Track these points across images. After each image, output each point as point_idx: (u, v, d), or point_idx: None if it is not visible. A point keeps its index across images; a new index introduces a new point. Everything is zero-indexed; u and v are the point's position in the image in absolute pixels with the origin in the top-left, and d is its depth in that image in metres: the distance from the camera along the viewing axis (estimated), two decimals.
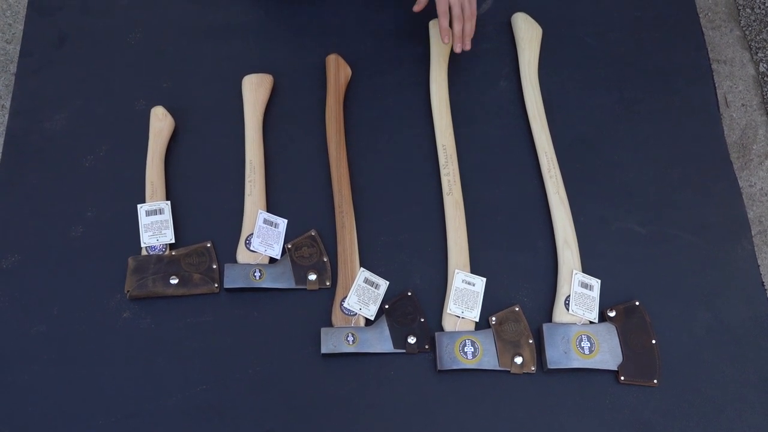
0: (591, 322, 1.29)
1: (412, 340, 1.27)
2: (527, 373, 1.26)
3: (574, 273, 1.31)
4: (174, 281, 1.31)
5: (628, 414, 1.24)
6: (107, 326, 1.30)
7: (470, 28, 1.47)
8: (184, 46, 1.59)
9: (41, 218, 1.40)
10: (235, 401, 1.24)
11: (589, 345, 1.26)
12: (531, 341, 1.27)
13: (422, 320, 1.29)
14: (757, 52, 1.86)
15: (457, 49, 1.47)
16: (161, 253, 1.34)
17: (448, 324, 1.29)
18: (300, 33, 1.61)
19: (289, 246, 1.35)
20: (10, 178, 1.44)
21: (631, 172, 1.46)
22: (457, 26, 1.45)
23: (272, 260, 1.35)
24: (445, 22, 1.46)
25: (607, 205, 1.42)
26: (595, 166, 1.46)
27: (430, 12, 1.61)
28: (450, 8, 1.44)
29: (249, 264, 1.33)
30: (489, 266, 1.35)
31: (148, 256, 1.34)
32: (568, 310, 1.28)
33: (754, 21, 1.87)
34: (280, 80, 1.55)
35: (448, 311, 1.29)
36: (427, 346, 1.27)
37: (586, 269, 1.34)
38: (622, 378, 1.25)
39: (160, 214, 1.37)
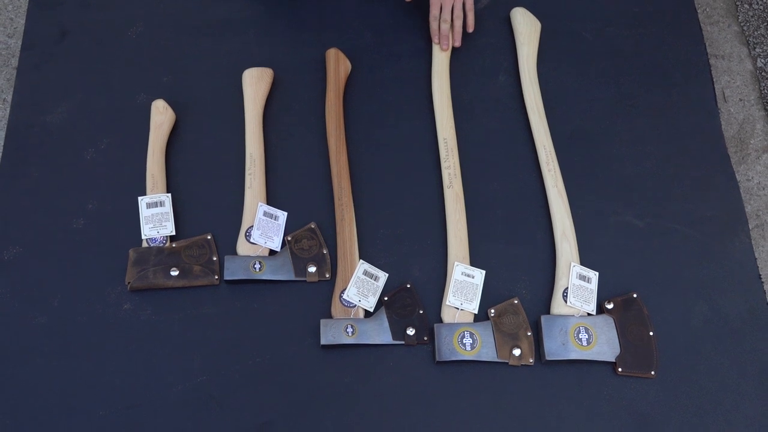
0: (589, 314, 1.29)
1: (411, 331, 1.28)
2: (525, 364, 1.26)
3: (572, 265, 1.32)
4: (174, 273, 1.32)
5: (625, 405, 1.24)
6: (108, 318, 1.31)
7: (459, 25, 1.53)
8: (184, 40, 1.60)
9: (42, 211, 1.41)
10: (235, 392, 1.25)
11: (587, 336, 1.26)
12: (529, 333, 1.28)
13: (421, 312, 1.30)
14: (755, 48, 1.87)
15: (443, 47, 1.53)
16: (162, 245, 1.35)
17: (447, 316, 1.30)
18: (300, 27, 1.62)
19: (289, 238, 1.36)
20: (12, 171, 1.45)
21: (629, 166, 1.47)
22: (443, 26, 1.52)
23: (272, 252, 1.36)
24: (435, 25, 1.53)
25: (605, 198, 1.43)
26: (593, 159, 1.47)
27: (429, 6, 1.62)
28: (441, 8, 1.51)
29: (249, 256, 1.34)
30: (488, 259, 1.36)
31: (149, 248, 1.34)
32: (566, 302, 1.29)
33: (752, 17, 1.88)
34: (280, 74, 1.55)
35: (448, 303, 1.29)
36: (426, 338, 1.28)
37: (584, 262, 1.34)
38: (620, 369, 1.25)
39: (161, 206, 1.37)
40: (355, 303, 1.30)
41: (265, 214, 1.37)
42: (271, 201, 1.41)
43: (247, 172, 1.41)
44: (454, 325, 1.28)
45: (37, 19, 1.63)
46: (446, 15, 1.52)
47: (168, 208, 1.38)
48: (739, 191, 1.45)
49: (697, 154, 1.48)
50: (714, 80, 1.62)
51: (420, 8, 1.63)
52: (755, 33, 1.86)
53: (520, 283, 1.35)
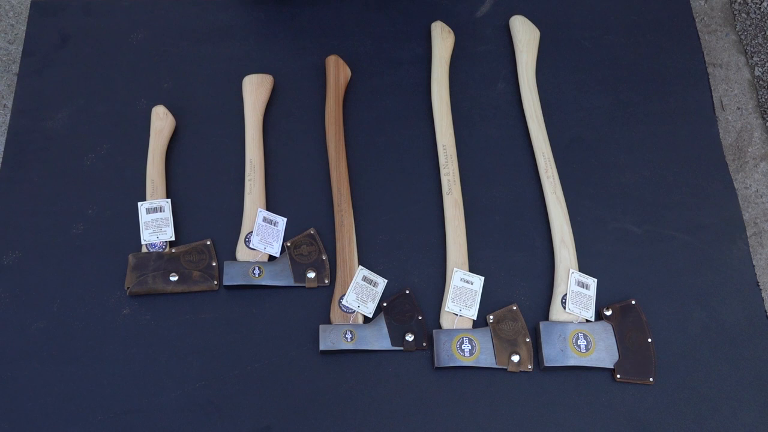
0: (587, 321, 1.30)
1: (410, 337, 1.28)
2: (524, 371, 1.27)
3: (570, 272, 1.32)
4: (174, 278, 1.32)
5: (624, 412, 1.25)
6: (107, 323, 1.31)
7: None
8: (185, 46, 1.61)
9: (42, 216, 1.41)
10: (234, 397, 1.25)
11: (585, 343, 1.27)
12: (528, 340, 1.28)
13: (420, 318, 1.30)
14: (752, 56, 1.88)
15: None
16: (161, 250, 1.35)
17: (446, 322, 1.30)
18: (300, 34, 1.63)
19: (289, 244, 1.36)
20: (12, 176, 1.45)
21: (627, 173, 1.47)
22: None
23: (271, 258, 1.36)
24: None
25: (604, 205, 1.44)
26: (591, 166, 1.48)
27: (431, 13, 1.64)
28: None
29: (248, 262, 1.34)
30: (487, 265, 1.37)
31: (149, 253, 1.35)
32: (564, 308, 1.29)
33: (749, 26, 1.89)
34: (280, 81, 1.56)
35: (446, 309, 1.30)
36: (424, 344, 1.28)
37: (582, 268, 1.35)
38: (618, 376, 1.26)
39: (161, 211, 1.38)
40: (354, 309, 1.30)
41: (265, 219, 1.37)
42: (270, 207, 1.42)
43: (247, 177, 1.41)
44: (452, 331, 1.28)
45: (37, 25, 1.64)
46: None
47: (168, 213, 1.38)
48: (737, 199, 1.46)
49: (695, 162, 1.49)
50: (712, 89, 1.62)
51: (420, 16, 1.64)
52: (753, 42, 1.87)
53: (518, 289, 1.35)
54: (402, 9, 1.65)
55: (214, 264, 1.35)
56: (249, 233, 1.36)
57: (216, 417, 1.24)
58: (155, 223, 1.37)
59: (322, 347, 1.26)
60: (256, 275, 1.32)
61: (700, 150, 1.50)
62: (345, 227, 1.37)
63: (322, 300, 1.33)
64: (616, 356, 1.26)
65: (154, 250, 1.35)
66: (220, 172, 1.46)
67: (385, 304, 1.31)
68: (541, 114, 1.50)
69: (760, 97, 1.82)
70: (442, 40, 1.57)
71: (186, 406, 1.25)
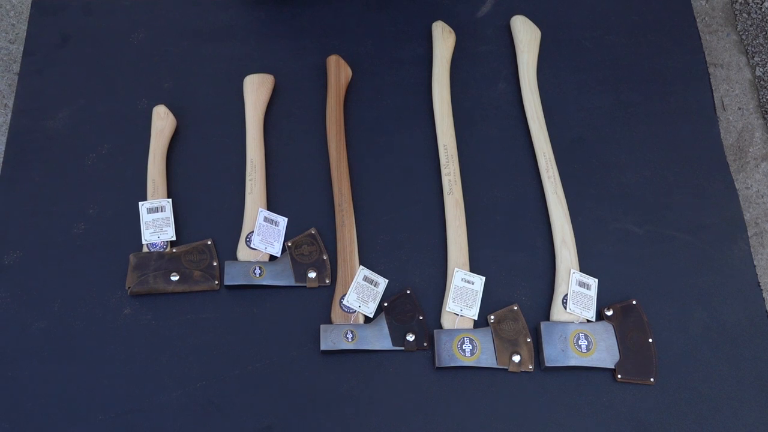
0: (588, 321, 1.30)
1: (410, 337, 1.28)
2: (525, 371, 1.27)
3: (571, 272, 1.32)
4: (175, 278, 1.32)
5: (624, 412, 1.25)
6: (108, 322, 1.31)
7: None
8: (185, 46, 1.61)
9: (43, 215, 1.41)
10: (235, 397, 1.25)
11: (586, 343, 1.27)
12: (529, 340, 1.28)
13: (421, 318, 1.30)
14: (753, 57, 1.88)
15: None
16: (162, 250, 1.35)
17: (447, 322, 1.30)
18: (301, 34, 1.63)
19: (289, 244, 1.36)
20: (13, 175, 1.45)
21: (628, 174, 1.47)
22: None
23: (272, 258, 1.36)
24: None
25: (605, 205, 1.43)
26: (592, 167, 1.48)
27: (432, 13, 1.64)
28: None
29: (249, 261, 1.34)
30: (488, 265, 1.37)
31: (149, 253, 1.35)
32: (565, 308, 1.29)
33: (750, 26, 1.89)
34: (281, 80, 1.56)
35: (447, 309, 1.30)
36: (425, 344, 1.28)
37: (583, 268, 1.35)
38: (619, 376, 1.25)
39: (162, 211, 1.38)
40: (355, 309, 1.30)
41: (266, 219, 1.37)
42: (271, 206, 1.42)
43: (248, 177, 1.41)
44: (453, 331, 1.28)
45: (38, 24, 1.64)
46: None
47: (168, 213, 1.38)
48: (738, 199, 1.46)
49: (696, 162, 1.49)
50: (713, 89, 1.62)
51: (421, 16, 1.64)
52: (754, 42, 1.87)
53: (519, 289, 1.35)
54: (403, 9, 1.65)
55: (215, 264, 1.35)
56: (250, 233, 1.36)
57: (217, 417, 1.24)
58: (156, 223, 1.37)
59: (323, 347, 1.26)
60: (257, 275, 1.32)
61: (701, 150, 1.50)
62: (346, 227, 1.37)
63: (322, 300, 1.33)
64: (617, 356, 1.26)
65: (155, 249, 1.35)
66: (221, 172, 1.46)
67: (386, 304, 1.31)
68: (542, 114, 1.50)
69: (761, 97, 1.82)
70: (443, 40, 1.57)
71: (186, 406, 1.25)
